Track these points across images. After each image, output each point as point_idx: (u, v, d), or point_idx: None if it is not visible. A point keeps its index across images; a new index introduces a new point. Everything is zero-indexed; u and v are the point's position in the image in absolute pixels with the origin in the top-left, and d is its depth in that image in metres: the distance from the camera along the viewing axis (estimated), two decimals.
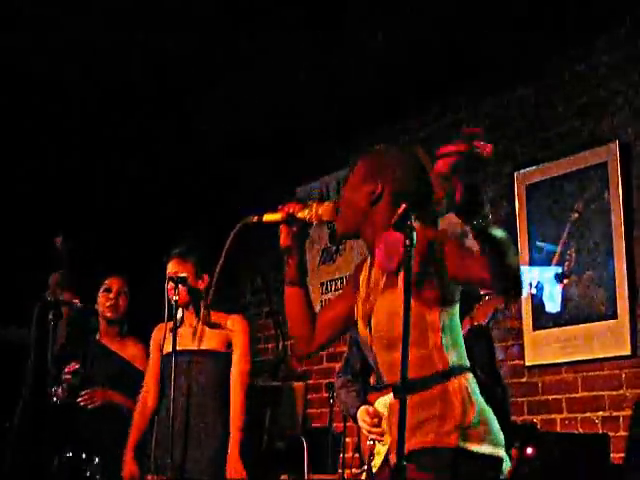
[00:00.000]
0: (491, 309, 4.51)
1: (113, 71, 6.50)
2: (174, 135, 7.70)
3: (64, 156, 7.69)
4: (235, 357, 4.97)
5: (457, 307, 3.03)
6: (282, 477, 6.36)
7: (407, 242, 2.62)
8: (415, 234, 2.65)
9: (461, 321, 3.82)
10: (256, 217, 3.18)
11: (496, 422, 2.98)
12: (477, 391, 2.98)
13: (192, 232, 8.24)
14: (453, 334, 3.00)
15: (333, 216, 3.11)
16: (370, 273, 3.12)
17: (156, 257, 5.30)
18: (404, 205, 2.74)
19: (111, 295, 5.63)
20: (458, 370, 2.97)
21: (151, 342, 5.20)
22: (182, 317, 5.06)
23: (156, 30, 5.91)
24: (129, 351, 5.67)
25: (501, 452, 2.95)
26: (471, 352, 3.30)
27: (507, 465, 2.99)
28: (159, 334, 5.06)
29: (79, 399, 5.37)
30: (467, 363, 3.03)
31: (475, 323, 4.49)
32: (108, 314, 5.63)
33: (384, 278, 3.03)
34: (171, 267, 5.03)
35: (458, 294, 3.02)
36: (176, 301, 4.91)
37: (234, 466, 4.80)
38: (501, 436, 2.97)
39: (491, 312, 4.53)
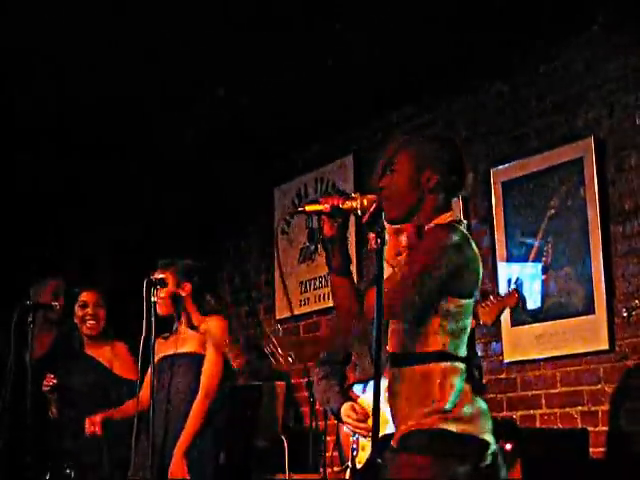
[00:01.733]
0: (498, 308, 4.53)
1: (105, 71, 6.49)
2: (152, 138, 7.69)
3: (60, 157, 7.70)
4: (207, 358, 5.04)
5: (466, 301, 3.18)
6: (263, 477, 6.36)
7: (378, 241, 2.63)
8: (387, 233, 2.67)
9: None
10: (297, 208, 3.34)
11: (482, 409, 3.15)
12: (462, 379, 3.13)
13: (173, 234, 8.28)
14: (456, 323, 3.14)
15: (377, 206, 3.19)
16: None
17: (140, 261, 5.36)
18: (375, 205, 2.77)
19: (89, 310, 5.69)
20: (448, 357, 3.12)
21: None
22: (176, 327, 5.15)
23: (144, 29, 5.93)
24: (107, 355, 5.70)
25: (484, 436, 3.11)
26: None
27: (491, 450, 3.12)
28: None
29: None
30: (463, 354, 3.17)
31: (481, 322, 4.52)
32: (88, 332, 5.71)
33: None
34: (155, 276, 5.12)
35: (468, 289, 3.17)
36: (155, 302, 4.96)
37: (177, 466, 4.84)
38: (485, 422, 3.14)
39: (498, 311, 4.55)
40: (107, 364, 5.70)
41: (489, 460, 3.11)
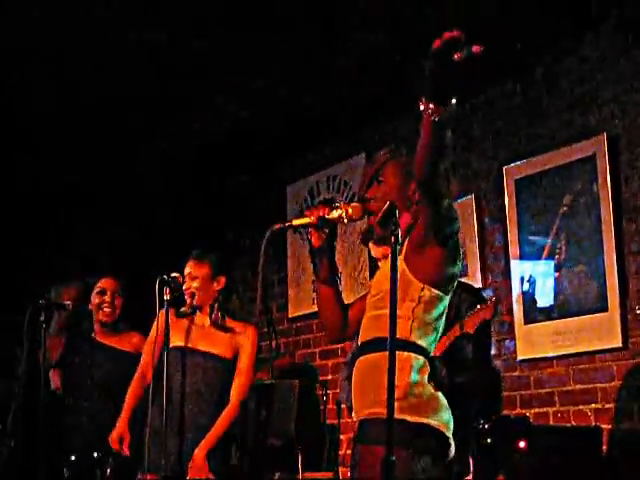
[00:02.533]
0: (479, 320, 4.57)
1: (106, 71, 6.49)
2: (163, 136, 7.70)
3: (60, 157, 7.71)
4: (240, 367, 4.99)
5: (443, 297, 3.18)
6: (276, 475, 6.37)
7: (392, 239, 2.64)
8: (400, 230, 2.68)
9: (451, 326, 4.00)
10: (285, 223, 3.35)
11: (441, 403, 3.13)
12: (422, 372, 3.11)
13: (186, 233, 8.29)
14: (428, 315, 3.15)
15: (362, 214, 3.26)
16: None
17: (152, 258, 5.34)
18: (389, 202, 2.77)
19: (106, 298, 5.61)
20: (413, 347, 3.10)
21: (154, 325, 5.14)
22: (193, 312, 5.07)
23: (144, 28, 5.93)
24: (132, 341, 5.66)
25: (434, 422, 3.08)
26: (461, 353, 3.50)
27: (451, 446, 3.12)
28: (164, 319, 5.04)
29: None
30: (430, 350, 3.17)
31: (464, 331, 4.55)
32: (104, 319, 5.62)
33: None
34: (188, 268, 5.07)
35: (447, 282, 3.17)
36: (166, 300, 4.93)
37: (199, 466, 4.81)
38: (444, 415, 3.12)
39: (479, 322, 4.59)
40: (133, 349, 5.64)
41: (451, 456, 3.12)
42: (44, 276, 6.35)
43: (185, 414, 4.93)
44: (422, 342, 3.14)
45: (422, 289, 3.12)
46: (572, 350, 5.65)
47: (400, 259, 3.19)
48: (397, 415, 2.98)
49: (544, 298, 5.85)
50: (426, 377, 3.12)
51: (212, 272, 5.08)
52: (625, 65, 5.54)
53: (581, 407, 5.57)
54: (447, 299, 3.20)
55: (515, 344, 5.99)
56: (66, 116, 7.12)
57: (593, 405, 5.51)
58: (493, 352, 6.02)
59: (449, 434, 3.11)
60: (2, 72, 6.40)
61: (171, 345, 4.96)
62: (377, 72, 6.50)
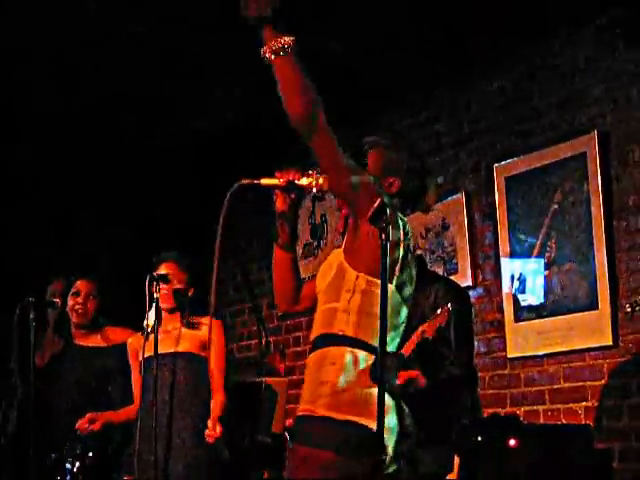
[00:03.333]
0: (436, 325, 4.57)
1: (106, 70, 6.49)
2: (162, 136, 7.70)
3: (60, 157, 7.70)
4: (211, 355, 5.03)
5: (377, 280, 2.98)
6: (264, 473, 6.36)
7: (383, 237, 2.62)
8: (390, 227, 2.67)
9: (411, 333, 3.94)
10: (253, 180, 3.24)
11: (372, 398, 2.89)
12: (361, 368, 2.98)
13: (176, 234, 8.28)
14: (370, 308, 2.99)
15: (380, 202, 3.13)
16: None
17: (152, 258, 5.36)
18: (379, 200, 2.75)
19: (79, 299, 5.63)
20: (352, 341, 3.01)
21: (128, 352, 5.25)
22: (159, 320, 5.10)
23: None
24: (103, 336, 5.69)
25: (365, 421, 2.91)
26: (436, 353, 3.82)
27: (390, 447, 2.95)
28: (135, 342, 5.15)
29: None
30: (374, 342, 2.97)
31: (425, 336, 4.54)
32: (76, 320, 5.64)
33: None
34: (166, 269, 5.12)
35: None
36: (157, 298, 4.95)
37: (213, 428, 4.83)
38: (371, 408, 2.86)
39: (436, 327, 4.59)
40: (102, 344, 5.67)
41: (386, 459, 2.93)
42: (44, 276, 6.33)
43: (171, 417, 4.95)
44: (364, 336, 3.01)
45: (357, 277, 3.04)
46: (562, 348, 5.64)
47: (339, 251, 3.19)
48: (324, 412, 2.97)
49: (534, 296, 5.84)
50: (368, 373, 2.99)
51: (187, 281, 5.14)
52: (616, 62, 5.53)
53: (571, 405, 5.56)
54: (394, 288, 3.05)
55: (505, 342, 5.98)
56: (66, 116, 7.12)
57: (583, 403, 5.50)
58: (483, 350, 6.01)
59: (386, 436, 2.87)
60: (2, 72, 6.39)
61: (145, 356, 5.01)
62: (372, 67, 6.49)
